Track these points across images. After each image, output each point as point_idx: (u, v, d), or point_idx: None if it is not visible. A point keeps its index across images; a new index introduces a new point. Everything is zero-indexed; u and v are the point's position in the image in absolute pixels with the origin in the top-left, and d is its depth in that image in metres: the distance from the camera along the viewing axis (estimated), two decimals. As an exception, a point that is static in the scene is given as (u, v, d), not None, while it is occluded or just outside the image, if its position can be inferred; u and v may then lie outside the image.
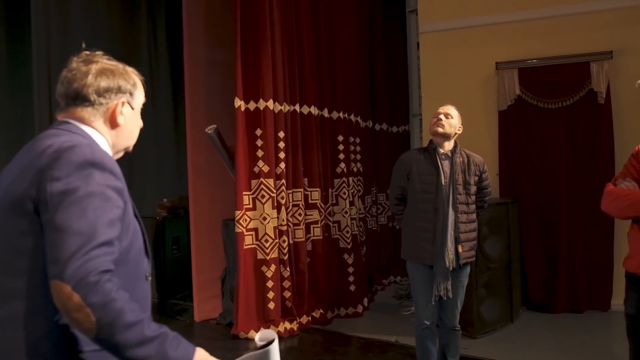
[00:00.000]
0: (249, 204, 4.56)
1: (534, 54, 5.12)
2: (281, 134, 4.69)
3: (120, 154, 1.50)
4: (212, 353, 1.28)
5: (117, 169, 1.28)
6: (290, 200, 4.82)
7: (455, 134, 3.25)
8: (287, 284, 4.67)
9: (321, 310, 4.89)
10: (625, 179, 2.36)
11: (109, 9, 6.09)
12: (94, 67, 1.38)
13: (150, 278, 1.43)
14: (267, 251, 4.58)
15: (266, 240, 4.58)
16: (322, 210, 5.08)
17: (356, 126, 5.74)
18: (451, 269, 3.12)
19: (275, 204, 4.63)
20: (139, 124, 1.50)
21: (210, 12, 5.27)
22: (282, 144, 4.68)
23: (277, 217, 4.64)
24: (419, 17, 5.65)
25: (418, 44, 6.17)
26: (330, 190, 5.24)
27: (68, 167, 1.19)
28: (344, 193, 5.33)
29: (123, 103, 1.42)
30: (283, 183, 4.68)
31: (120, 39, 6.18)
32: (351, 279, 5.23)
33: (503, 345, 4.16)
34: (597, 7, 4.96)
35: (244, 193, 4.53)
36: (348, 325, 4.85)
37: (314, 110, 5.04)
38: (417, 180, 3.21)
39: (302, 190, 4.90)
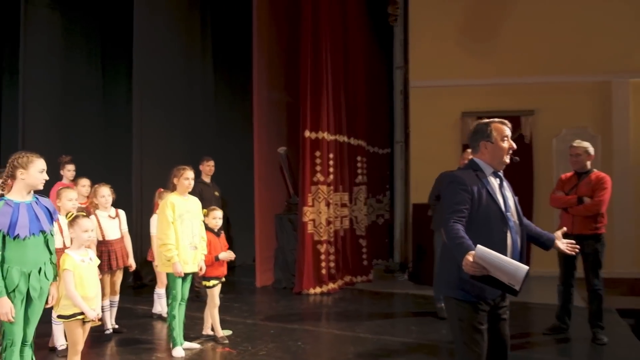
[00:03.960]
0: (310, 203, 6.67)
1: (486, 108, 7.77)
2: (331, 155, 6.87)
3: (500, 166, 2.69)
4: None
5: (463, 180, 2.59)
6: (334, 201, 7.00)
7: None
8: (332, 257, 6.84)
9: (350, 276, 7.12)
10: (557, 191, 4.90)
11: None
12: None
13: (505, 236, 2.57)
14: (321, 234, 6.72)
15: (320, 227, 6.72)
16: (349, 208, 7.31)
17: (362, 149, 8.03)
18: None
19: (327, 203, 6.78)
20: (496, 148, 2.65)
21: (272, 63, 7.31)
22: (331, 162, 6.86)
23: (327, 212, 6.80)
24: (410, 75, 8.14)
25: (401, 90, 8.70)
26: (352, 194, 7.50)
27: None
28: (361, 197, 7.61)
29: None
30: (331, 188, 6.85)
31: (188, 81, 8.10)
32: (364, 256, 7.52)
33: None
34: (526, 80, 7.74)
35: (307, 195, 6.65)
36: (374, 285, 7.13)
37: (345, 138, 7.28)
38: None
39: (340, 193, 7.11)
